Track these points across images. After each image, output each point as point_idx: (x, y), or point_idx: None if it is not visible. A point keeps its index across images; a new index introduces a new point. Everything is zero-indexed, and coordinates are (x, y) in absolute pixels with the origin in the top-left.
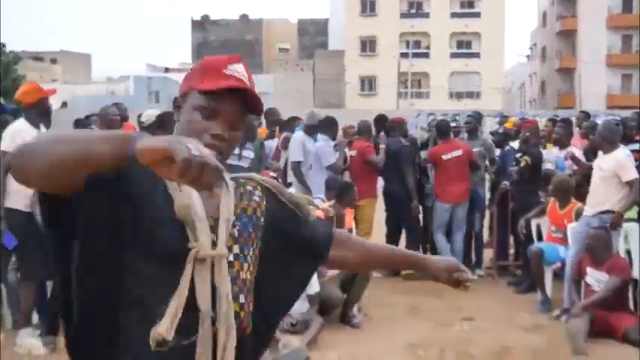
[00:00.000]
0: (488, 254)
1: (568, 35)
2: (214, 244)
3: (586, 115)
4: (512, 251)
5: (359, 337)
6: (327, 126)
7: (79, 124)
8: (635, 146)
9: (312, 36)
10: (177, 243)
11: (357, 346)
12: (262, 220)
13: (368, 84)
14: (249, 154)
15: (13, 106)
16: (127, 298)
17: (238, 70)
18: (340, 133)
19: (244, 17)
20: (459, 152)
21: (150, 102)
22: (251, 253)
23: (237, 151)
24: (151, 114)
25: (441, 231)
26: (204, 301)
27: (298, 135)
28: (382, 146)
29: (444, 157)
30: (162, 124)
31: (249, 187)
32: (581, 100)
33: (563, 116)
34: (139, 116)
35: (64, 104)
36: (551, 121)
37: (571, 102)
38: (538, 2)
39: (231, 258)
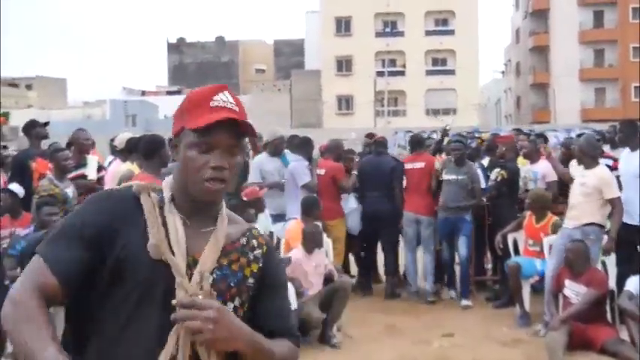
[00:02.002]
0: None
1: (541, 51)
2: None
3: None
4: (489, 266)
5: (338, 357)
6: (302, 146)
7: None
8: (608, 162)
9: (288, 56)
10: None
11: None
12: (250, 280)
13: (345, 103)
14: None
15: None
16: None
17: (223, 99)
18: (316, 151)
19: (220, 39)
20: (421, 164)
21: (127, 125)
22: (230, 306)
23: None
24: (123, 138)
25: (409, 248)
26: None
27: (258, 158)
28: (354, 172)
29: (407, 166)
30: (132, 149)
31: (254, 243)
32: (556, 115)
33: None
34: (112, 140)
35: (47, 123)
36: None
37: (546, 117)
38: (511, 18)
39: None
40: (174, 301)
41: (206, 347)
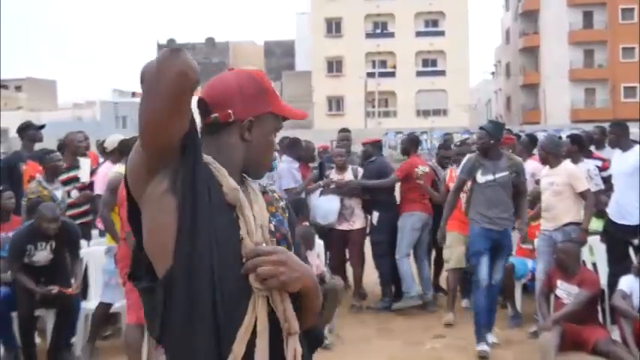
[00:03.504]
0: None
1: (531, 52)
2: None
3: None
4: None
5: (330, 359)
6: (291, 147)
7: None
8: (597, 163)
9: (279, 57)
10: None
11: None
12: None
13: (335, 104)
14: None
15: None
16: None
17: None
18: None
19: (210, 40)
20: (427, 168)
21: (117, 127)
22: (292, 249)
23: None
24: (113, 140)
25: (407, 252)
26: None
27: None
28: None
29: (419, 169)
30: (125, 150)
31: (275, 195)
32: (546, 116)
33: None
34: (102, 142)
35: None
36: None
37: (536, 117)
38: (501, 19)
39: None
40: (243, 253)
41: (279, 291)
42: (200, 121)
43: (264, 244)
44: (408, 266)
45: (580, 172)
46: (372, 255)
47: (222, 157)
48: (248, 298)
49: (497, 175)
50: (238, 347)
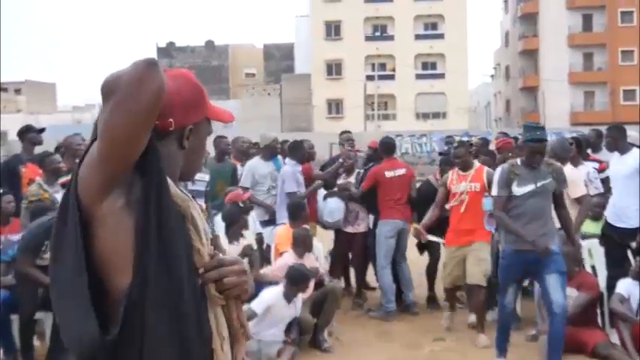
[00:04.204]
0: None
1: (530, 54)
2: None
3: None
4: None
5: None
6: (294, 150)
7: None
8: (595, 165)
9: (278, 60)
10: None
11: None
12: None
13: (335, 107)
14: (202, 176)
15: None
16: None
17: None
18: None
19: (210, 43)
20: (402, 171)
21: None
22: None
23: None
24: None
25: (386, 262)
26: None
27: (251, 162)
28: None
29: (387, 174)
30: None
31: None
32: (545, 118)
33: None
34: None
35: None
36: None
37: (536, 120)
38: (500, 22)
39: None
40: (201, 264)
41: (235, 299)
42: None
43: (220, 254)
44: (388, 278)
45: (579, 178)
46: (370, 258)
47: (165, 167)
48: (203, 308)
49: (539, 184)
50: (222, 356)
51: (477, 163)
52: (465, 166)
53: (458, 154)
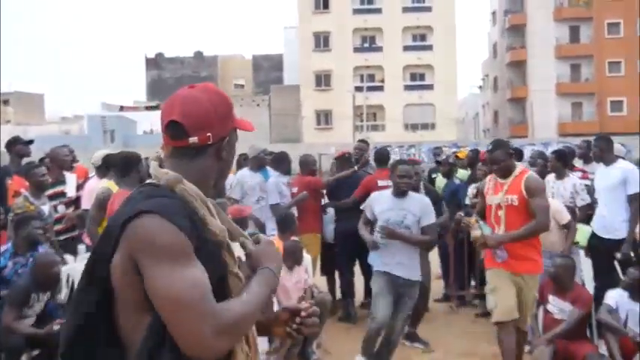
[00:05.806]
0: (440, 285)
1: (518, 66)
2: None
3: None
4: (472, 283)
5: None
6: (279, 161)
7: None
8: (578, 174)
9: (267, 71)
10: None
11: None
12: None
13: (324, 118)
14: None
15: None
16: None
17: None
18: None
19: (199, 54)
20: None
21: (105, 141)
22: None
23: None
24: (98, 156)
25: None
26: None
27: (240, 173)
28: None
29: (380, 183)
30: (110, 165)
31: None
32: (533, 129)
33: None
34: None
35: (31, 141)
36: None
37: (524, 131)
38: (488, 34)
39: None
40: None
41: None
42: (166, 144)
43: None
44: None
45: (560, 205)
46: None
47: (200, 181)
48: None
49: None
50: None
51: (519, 167)
52: (505, 173)
53: (495, 159)
